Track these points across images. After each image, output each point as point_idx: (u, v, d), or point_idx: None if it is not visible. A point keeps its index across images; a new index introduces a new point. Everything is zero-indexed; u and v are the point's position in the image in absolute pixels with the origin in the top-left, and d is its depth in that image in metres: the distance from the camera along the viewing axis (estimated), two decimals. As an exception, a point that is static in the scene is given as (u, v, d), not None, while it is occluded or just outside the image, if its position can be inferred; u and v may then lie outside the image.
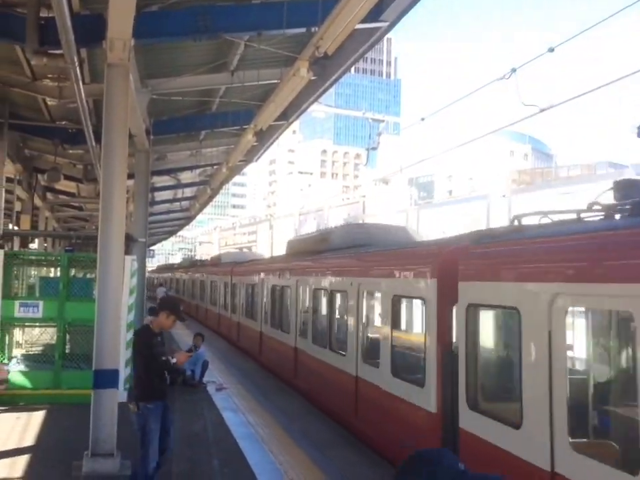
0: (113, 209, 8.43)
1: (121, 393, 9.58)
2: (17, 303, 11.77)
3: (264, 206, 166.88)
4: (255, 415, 11.44)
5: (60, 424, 10.27)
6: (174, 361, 6.88)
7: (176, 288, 45.11)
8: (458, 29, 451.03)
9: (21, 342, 13.62)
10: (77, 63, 8.72)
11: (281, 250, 42.21)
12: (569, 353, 5.72)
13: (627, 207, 5.86)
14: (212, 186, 25.16)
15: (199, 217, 53.46)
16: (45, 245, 28.53)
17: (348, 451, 9.43)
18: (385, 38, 12.94)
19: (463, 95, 13.88)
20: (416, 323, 9.35)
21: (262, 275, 18.46)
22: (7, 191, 16.46)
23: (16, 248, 17.01)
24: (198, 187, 27.97)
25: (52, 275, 16.65)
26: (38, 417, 10.56)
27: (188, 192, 29.79)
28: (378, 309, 10.04)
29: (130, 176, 12.80)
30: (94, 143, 13.25)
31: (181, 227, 52.66)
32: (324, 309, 12.84)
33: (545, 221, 7.06)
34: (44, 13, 8.64)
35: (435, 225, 45.38)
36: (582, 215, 6.46)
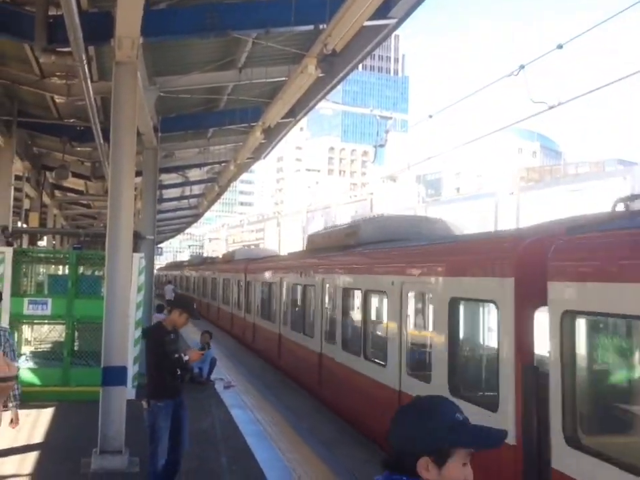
0: (121, 207, 8.45)
1: (129, 390, 9.62)
2: (25, 300, 11.82)
3: (271, 203, 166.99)
4: (263, 412, 11.44)
5: (68, 421, 10.31)
6: (186, 358, 6.88)
7: (186, 286, 44.16)
8: (466, 26, 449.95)
9: (29, 339, 13.67)
10: (85, 61, 8.73)
11: (289, 247, 41.78)
12: None
13: None
14: (220, 183, 25.17)
15: (207, 215, 53.61)
16: (54, 242, 28.68)
17: (357, 450, 9.43)
18: (393, 35, 12.93)
19: (470, 92, 13.79)
20: (483, 330, 7.98)
21: (280, 272, 17.25)
22: (16, 189, 16.49)
23: (25, 245, 17.10)
24: (206, 184, 27.98)
25: (60, 272, 16.71)
26: (47, 414, 10.61)
27: (196, 189, 29.83)
28: (429, 313, 8.46)
29: (138, 173, 12.83)
30: (102, 141, 13.28)
31: (189, 224, 52.72)
32: (356, 312, 11.69)
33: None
34: (52, 11, 8.66)
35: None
36: None
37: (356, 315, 11.75)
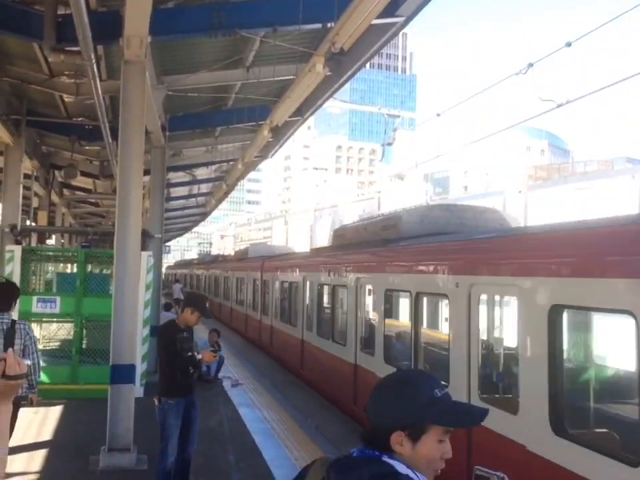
0: (129, 205, 8.48)
1: (137, 388, 9.66)
2: (34, 298, 11.88)
3: (279, 202, 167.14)
4: (270, 410, 11.47)
5: (77, 419, 10.36)
6: (199, 357, 6.90)
7: (196, 285, 42.73)
8: (474, 23, 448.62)
9: (38, 337, 13.73)
10: (93, 60, 8.75)
11: (297, 245, 41.28)
12: None
13: None
14: (227, 182, 25.18)
15: (215, 213, 53.63)
16: (62, 240, 28.78)
17: (364, 448, 9.42)
18: (401, 33, 12.81)
19: (479, 91, 13.76)
20: (610, 349, 6.57)
21: (303, 271, 15.55)
22: (25, 187, 16.55)
23: (33, 244, 17.17)
24: (213, 182, 27.99)
25: (69, 270, 16.79)
26: (55, 411, 10.66)
27: (203, 188, 29.85)
28: (516, 322, 6.58)
29: (146, 172, 12.84)
30: (110, 140, 13.31)
31: (197, 222, 52.77)
32: (403, 318, 10.24)
33: None
34: (61, 11, 8.68)
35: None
36: None
37: (402, 322, 10.33)
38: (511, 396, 6.70)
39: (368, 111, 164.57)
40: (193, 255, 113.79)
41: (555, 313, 5.83)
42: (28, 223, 21.95)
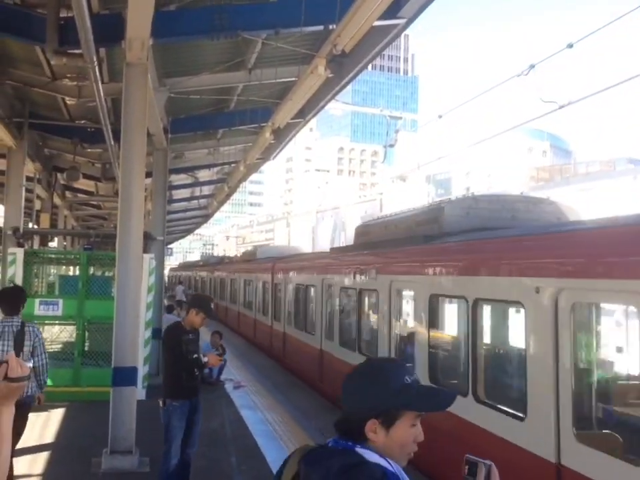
0: (131, 207, 8.49)
1: (139, 391, 9.66)
2: (37, 301, 11.88)
3: (281, 204, 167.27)
4: (273, 412, 11.46)
5: (79, 421, 10.37)
6: (205, 360, 6.91)
7: (201, 288, 41.34)
8: (476, 24, 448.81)
9: (41, 339, 13.73)
10: (96, 63, 8.76)
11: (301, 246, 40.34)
12: None
13: None
14: (229, 184, 25.20)
15: (217, 215, 53.59)
16: (64, 243, 28.82)
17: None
18: (402, 35, 12.74)
19: (480, 92, 13.73)
20: None
21: (321, 273, 14.01)
22: (27, 190, 16.58)
23: (36, 246, 17.19)
24: (215, 184, 28.03)
25: (71, 273, 16.80)
26: (57, 414, 10.66)
27: (206, 190, 29.89)
28: (631, 339, 5.37)
29: (148, 174, 12.88)
30: (112, 142, 13.33)
31: (199, 224, 52.79)
32: (455, 330, 8.73)
33: None
34: (63, 13, 8.70)
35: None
36: None
37: (453, 334, 8.96)
38: (619, 437, 5.25)
39: (370, 113, 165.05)
40: (195, 257, 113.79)
41: None
42: (30, 225, 21.97)
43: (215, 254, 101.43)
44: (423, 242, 9.26)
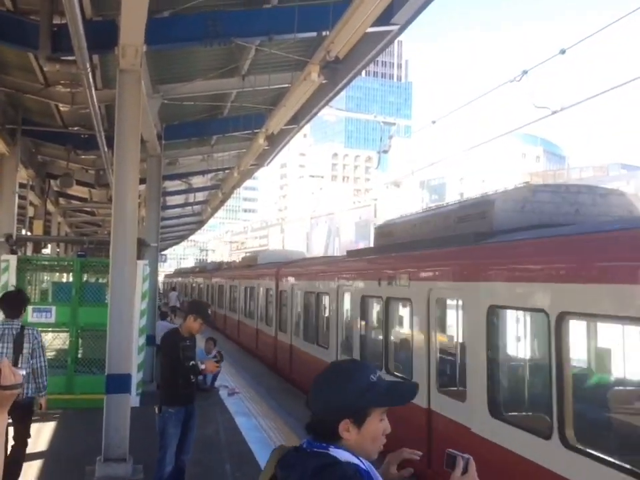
0: (125, 214, 8.47)
1: (133, 398, 9.62)
2: (30, 308, 11.81)
3: (275, 210, 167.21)
4: (267, 419, 11.44)
5: (72, 429, 10.32)
6: (202, 367, 6.92)
7: (198, 296, 39.76)
8: (469, 31, 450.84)
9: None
10: (89, 69, 8.76)
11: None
12: None
13: None
14: (223, 190, 25.20)
15: (211, 221, 53.56)
16: (58, 250, 28.74)
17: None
18: (396, 41, 12.70)
19: (474, 98, 13.75)
20: None
21: (337, 279, 12.43)
22: (20, 197, 16.53)
23: (29, 253, 17.13)
24: (209, 191, 28.02)
25: (64, 280, 16.74)
26: (51, 421, 10.61)
27: (199, 196, 29.86)
28: None
29: (142, 181, 12.86)
30: (106, 149, 13.32)
31: (193, 231, 52.77)
32: (531, 351, 7.48)
33: None
34: (57, 20, 8.69)
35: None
36: None
37: (530, 355, 7.57)
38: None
39: (364, 119, 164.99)
40: (189, 263, 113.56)
41: None
42: (23, 232, 21.89)
43: (209, 260, 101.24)
44: (473, 241, 7.71)
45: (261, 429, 10.71)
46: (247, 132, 16.54)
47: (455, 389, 7.78)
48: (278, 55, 11.24)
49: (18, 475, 6.96)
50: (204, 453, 8.86)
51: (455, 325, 8.09)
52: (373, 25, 8.66)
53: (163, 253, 45.36)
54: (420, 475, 4.64)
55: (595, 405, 6.27)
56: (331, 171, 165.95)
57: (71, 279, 13.24)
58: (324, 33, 9.38)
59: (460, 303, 7.76)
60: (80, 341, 12.21)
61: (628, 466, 4.72)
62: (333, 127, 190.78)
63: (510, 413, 6.72)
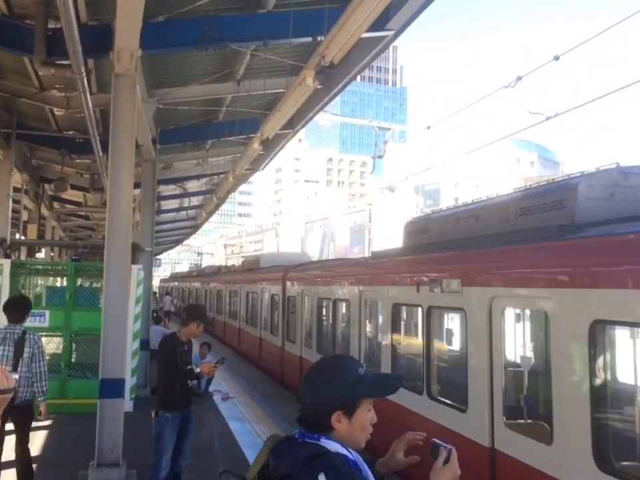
0: (119, 218, 8.46)
1: (127, 403, 9.60)
2: (23, 312, 11.78)
3: (270, 214, 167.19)
4: (261, 424, 11.42)
5: (66, 433, 10.28)
6: (197, 370, 6.93)
7: (196, 302, 37.30)
8: (464, 36, 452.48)
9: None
10: (84, 74, 8.75)
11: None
12: None
13: None
14: (218, 195, 25.19)
15: (206, 226, 53.51)
16: (52, 254, 28.65)
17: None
18: (391, 46, 12.65)
19: (468, 103, 13.78)
20: None
21: (359, 284, 10.80)
22: (14, 201, 16.50)
23: (23, 257, 17.08)
24: (204, 195, 28.01)
25: (58, 284, 16.69)
26: (44, 426, 10.56)
27: (194, 201, 29.84)
28: None
29: (136, 185, 12.85)
30: (101, 153, 13.30)
31: (188, 235, 52.70)
32: (636, 377, 5.25)
33: None
34: (52, 24, 8.69)
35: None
36: None
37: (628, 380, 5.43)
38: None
39: (359, 124, 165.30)
40: (183, 267, 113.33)
41: None
42: (17, 236, 21.83)
43: (203, 264, 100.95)
44: (557, 236, 6.08)
45: (254, 434, 10.69)
46: (242, 137, 16.55)
47: (532, 422, 6.21)
48: (273, 59, 11.26)
49: (31, 474, 7.19)
50: (198, 457, 8.83)
51: (533, 341, 6.80)
52: (368, 30, 8.70)
53: (157, 257, 45.23)
54: None
55: None
56: (326, 175, 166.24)
57: (65, 283, 13.20)
58: (319, 38, 9.41)
59: (545, 314, 5.97)
60: (73, 345, 12.17)
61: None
62: (328, 131, 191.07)
63: (626, 463, 5.07)
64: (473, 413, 6.82)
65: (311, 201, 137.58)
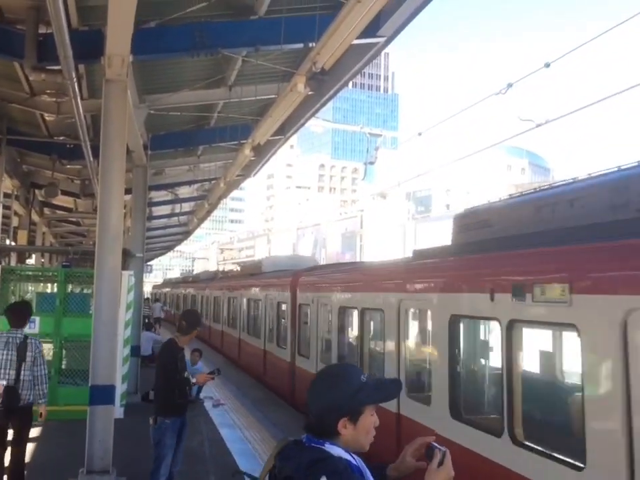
0: (110, 224, 8.43)
1: (117, 409, 9.55)
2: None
3: (262, 220, 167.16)
4: (252, 430, 11.38)
5: (55, 440, 10.21)
6: (194, 381, 6.97)
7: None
8: (456, 43, 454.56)
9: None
10: (75, 79, 8.74)
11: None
12: None
13: None
14: (210, 201, 25.16)
15: (197, 232, 53.45)
16: (42, 260, 28.51)
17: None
18: (383, 53, 12.73)
19: (460, 110, 13.81)
20: None
21: (400, 290, 8.56)
22: (5, 206, 16.45)
23: (13, 263, 17.01)
24: (196, 201, 27.98)
25: (49, 290, 16.62)
26: (33, 433, 10.41)
27: (186, 207, 29.81)
28: None
29: (127, 191, 12.81)
30: (92, 158, 13.27)
31: (179, 241, 52.58)
32: None
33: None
34: (42, 30, 8.68)
35: (432, 239, 45.40)
36: None
37: None
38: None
39: (350, 130, 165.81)
40: (175, 273, 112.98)
41: None
42: (7, 242, 21.73)
43: (195, 270, 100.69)
44: None
45: (245, 440, 10.65)
46: (233, 142, 16.55)
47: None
48: (264, 65, 11.28)
49: (22, 476, 7.26)
50: (189, 464, 8.77)
51: None
52: (359, 37, 8.73)
53: (148, 263, 45.14)
54: None
55: None
56: (318, 182, 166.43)
57: (55, 290, 13.14)
58: (310, 45, 9.43)
59: None
60: (64, 351, 12.11)
61: None
62: (320, 138, 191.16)
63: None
64: (596, 471, 4.77)
65: (303, 207, 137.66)
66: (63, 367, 12.07)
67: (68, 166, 16.70)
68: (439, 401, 7.16)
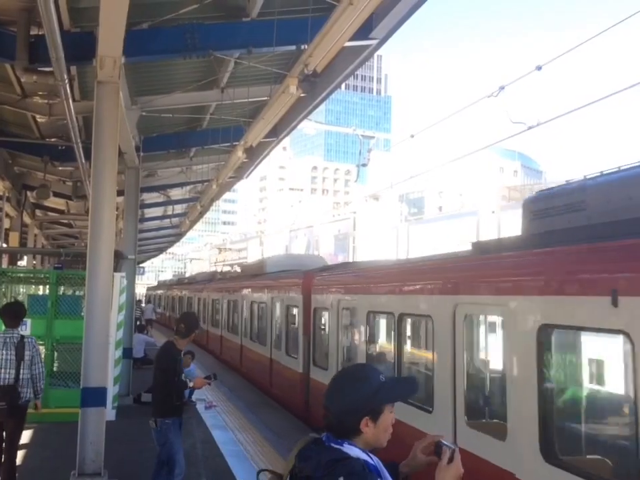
0: (102, 226, 8.41)
1: (109, 412, 9.52)
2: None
3: (254, 222, 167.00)
4: (243, 432, 11.37)
5: (47, 443, 10.18)
6: (191, 385, 7.03)
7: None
8: (448, 46, 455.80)
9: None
10: (66, 81, 8.72)
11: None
12: None
13: None
14: (202, 202, 25.10)
15: (190, 234, 53.31)
16: (34, 262, 28.42)
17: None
18: (375, 55, 12.73)
19: (452, 112, 13.83)
20: None
21: (452, 293, 7.05)
22: (-4, 208, 16.38)
23: (4, 265, 16.95)
24: (188, 203, 27.93)
25: (40, 292, 16.56)
26: (25, 435, 10.41)
27: (178, 208, 29.74)
28: None
29: (120, 193, 12.81)
30: (83, 160, 13.24)
31: (172, 243, 52.49)
32: None
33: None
34: (34, 31, 8.66)
35: (425, 241, 45.51)
36: None
37: None
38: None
39: (343, 132, 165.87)
40: (168, 275, 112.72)
41: None
42: (-1, 244, 21.66)
43: (187, 272, 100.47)
44: None
45: (237, 442, 10.64)
46: (225, 144, 16.52)
47: None
48: (257, 67, 11.28)
49: (14, 475, 7.38)
50: (180, 467, 8.77)
51: None
52: (351, 39, 8.72)
53: (141, 265, 44.99)
54: None
55: None
56: (311, 183, 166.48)
57: (47, 292, 13.10)
58: (303, 47, 9.44)
59: None
60: (55, 354, 12.07)
61: None
62: (313, 140, 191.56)
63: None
64: None
65: (296, 208, 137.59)
66: (55, 369, 12.03)
67: (60, 168, 16.64)
68: (521, 435, 5.49)
